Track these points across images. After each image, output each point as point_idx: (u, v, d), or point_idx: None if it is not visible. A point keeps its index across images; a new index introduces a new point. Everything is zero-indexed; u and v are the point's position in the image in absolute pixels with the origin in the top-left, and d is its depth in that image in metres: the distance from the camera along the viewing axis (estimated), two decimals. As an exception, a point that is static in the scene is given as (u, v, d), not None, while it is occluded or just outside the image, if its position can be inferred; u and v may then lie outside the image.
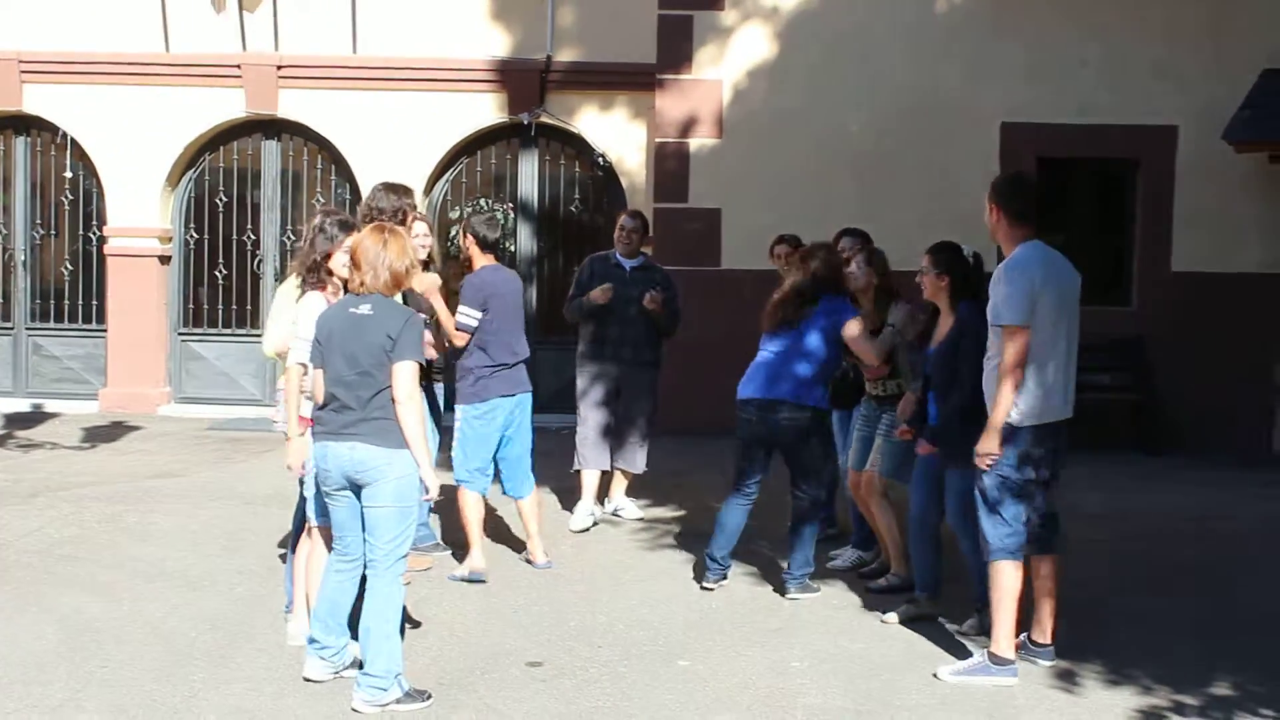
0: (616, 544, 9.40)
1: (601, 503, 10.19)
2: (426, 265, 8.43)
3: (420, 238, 8.39)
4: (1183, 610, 8.04)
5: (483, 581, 8.31)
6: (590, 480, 9.97)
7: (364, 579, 6.44)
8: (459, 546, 8.74)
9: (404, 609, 6.54)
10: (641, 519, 10.10)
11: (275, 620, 7.33)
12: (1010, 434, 6.63)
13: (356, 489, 6.27)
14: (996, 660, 6.70)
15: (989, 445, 6.61)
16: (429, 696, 6.28)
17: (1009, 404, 6.58)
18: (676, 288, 10.32)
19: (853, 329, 7.97)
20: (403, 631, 6.50)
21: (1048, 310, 6.61)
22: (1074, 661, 6.95)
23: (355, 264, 6.32)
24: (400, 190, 8.24)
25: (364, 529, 6.32)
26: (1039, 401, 6.63)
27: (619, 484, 10.25)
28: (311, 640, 6.48)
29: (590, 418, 9.99)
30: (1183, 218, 14.20)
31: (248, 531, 9.50)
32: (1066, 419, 6.79)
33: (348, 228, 6.87)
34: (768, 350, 8.12)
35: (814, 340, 7.98)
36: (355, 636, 6.45)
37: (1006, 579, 6.70)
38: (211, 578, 8.28)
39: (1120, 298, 14.52)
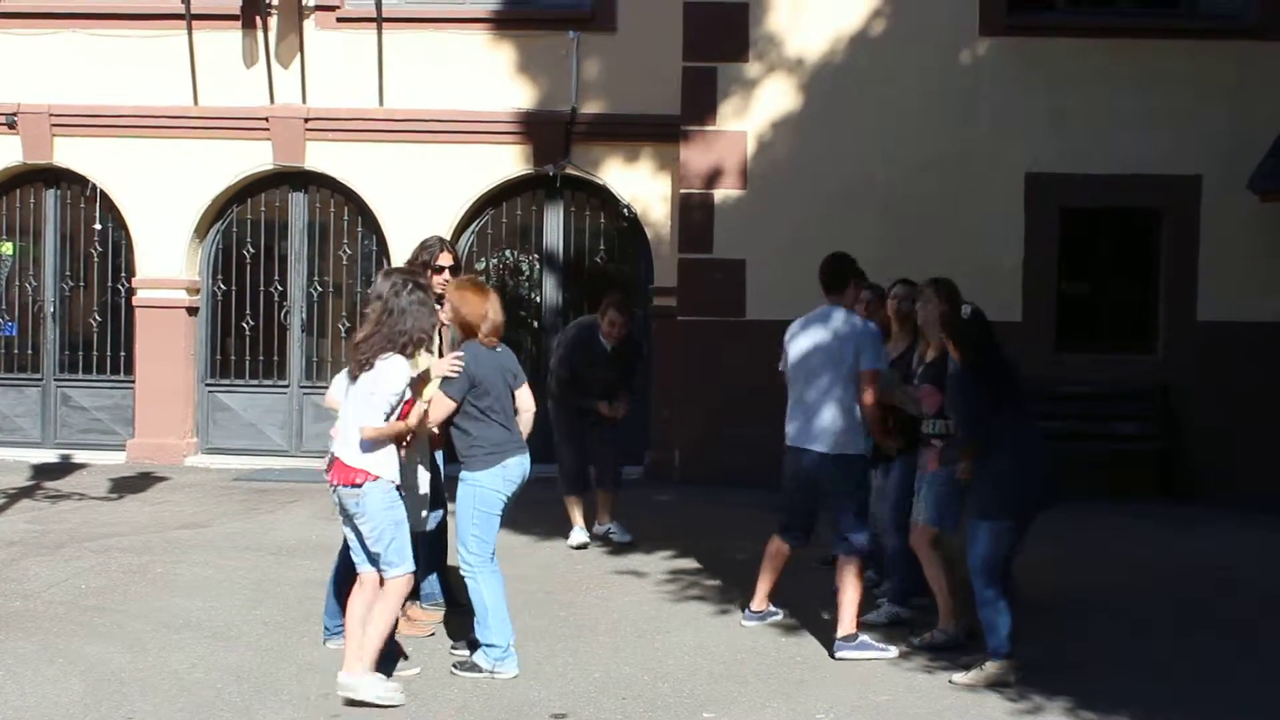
0: (641, 595, 9.39)
1: (590, 528, 10.99)
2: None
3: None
4: (1208, 658, 8.00)
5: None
6: (576, 505, 10.90)
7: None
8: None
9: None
10: (632, 541, 10.81)
11: (300, 672, 7.34)
12: None
13: None
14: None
15: None
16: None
17: None
18: (643, 344, 11.47)
19: None
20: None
21: (792, 358, 8.19)
22: (1100, 713, 6.91)
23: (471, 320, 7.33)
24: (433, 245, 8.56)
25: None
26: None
27: (605, 507, 11.07)
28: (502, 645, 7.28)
29: (567, 449, 10.96)
30: (1207, 267, 14.18)
31: (273, 582, 9.53)
32: (802, 449, 8.03)
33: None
34: None
35: None
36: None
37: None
38: (237, 629, 8.30)
39: (1145, 346, 14.49)
